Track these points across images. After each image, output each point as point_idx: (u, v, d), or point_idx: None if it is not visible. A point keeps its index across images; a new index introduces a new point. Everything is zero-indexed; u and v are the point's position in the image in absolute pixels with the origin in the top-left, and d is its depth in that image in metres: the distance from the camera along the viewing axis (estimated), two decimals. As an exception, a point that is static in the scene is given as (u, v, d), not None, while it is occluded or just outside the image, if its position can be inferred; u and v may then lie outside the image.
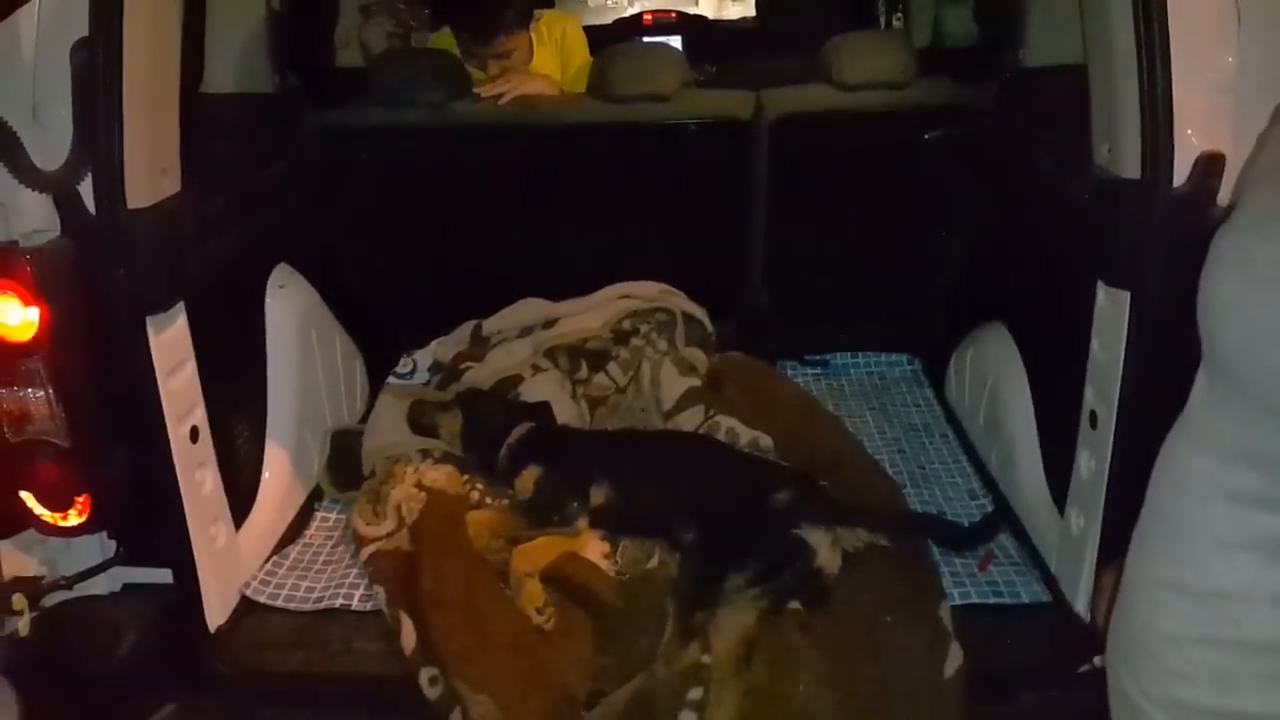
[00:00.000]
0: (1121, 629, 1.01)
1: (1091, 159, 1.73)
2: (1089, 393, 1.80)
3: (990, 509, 2.22)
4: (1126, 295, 1.67)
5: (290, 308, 2.28)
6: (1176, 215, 1.53)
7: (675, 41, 4.45)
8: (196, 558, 1.77)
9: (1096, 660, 1.57)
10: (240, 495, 2.01)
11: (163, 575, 1.78)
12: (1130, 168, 1.60)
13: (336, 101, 2.68)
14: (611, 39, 3.43)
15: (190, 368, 1.76)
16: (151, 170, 1.62)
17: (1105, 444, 1.73)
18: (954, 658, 1.71)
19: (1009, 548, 2.08)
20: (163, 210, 1.63)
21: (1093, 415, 1.77)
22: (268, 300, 2.23)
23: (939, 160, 2.61)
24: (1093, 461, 1.78)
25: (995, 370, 2.41)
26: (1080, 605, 1.83)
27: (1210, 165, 1.52)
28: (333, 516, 2.24)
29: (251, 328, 2.18)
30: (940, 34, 3.58)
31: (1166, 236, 1.55)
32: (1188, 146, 1.54)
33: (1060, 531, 1.93)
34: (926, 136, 2.56)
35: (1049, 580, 1.95)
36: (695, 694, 1.67)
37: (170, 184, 1.67)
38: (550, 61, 3.07)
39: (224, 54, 2.28)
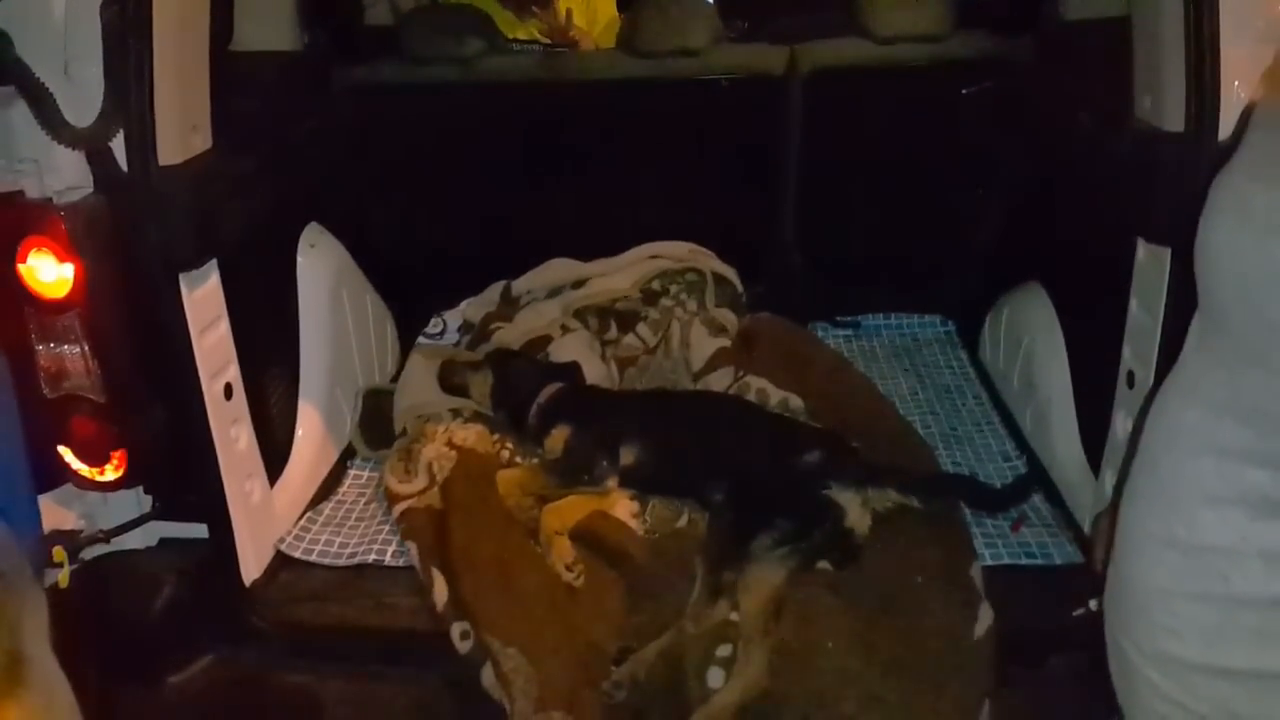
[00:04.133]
0: (1115, 583, 1.00)
1: (1133, 112, 1.69)
2: (1127, 352, 1.77)
3: (1023, 471, 2.20)
4: (1167, 252, 1.63)
5: (321, 267, 2.28)
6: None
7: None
8: (231, 513, 1.80)
9: (1092, 603, 1.55)
10: (274, 452, 2.03)
11: (198, 530, 1.81)
12: (1173, 120, 1.56)
13: (365, 59, 2.67)
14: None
15: (223, 325, 1.78)
16: (182, 127, 1.62)
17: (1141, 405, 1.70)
18: (984, 619, 1.70)
19: (1042, 509, 2.05)
20: (194, 167, 1.64)
21: (1130, 375, 1.74)
22: (299, 259, 2.24)
23: (976, 116, 2.55)
24: (1129, 422, 1.75)
25: (1031, 331, 2.37)
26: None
27: (1257, 118, 1.48)
28: (365, 474, 2.26)
29: (283, 286, 2.19)
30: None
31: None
32: (1233, 98, 1.49)
33: (1095, 493, 1.91)
34: (964, 91, 2.51)
35: (1082, 542, 1.93)
36: (724, 651, 1.68)
37: (201, 141, 1.68)
38: (579, 14, 3.03)
39: (253, 12, 2.27)
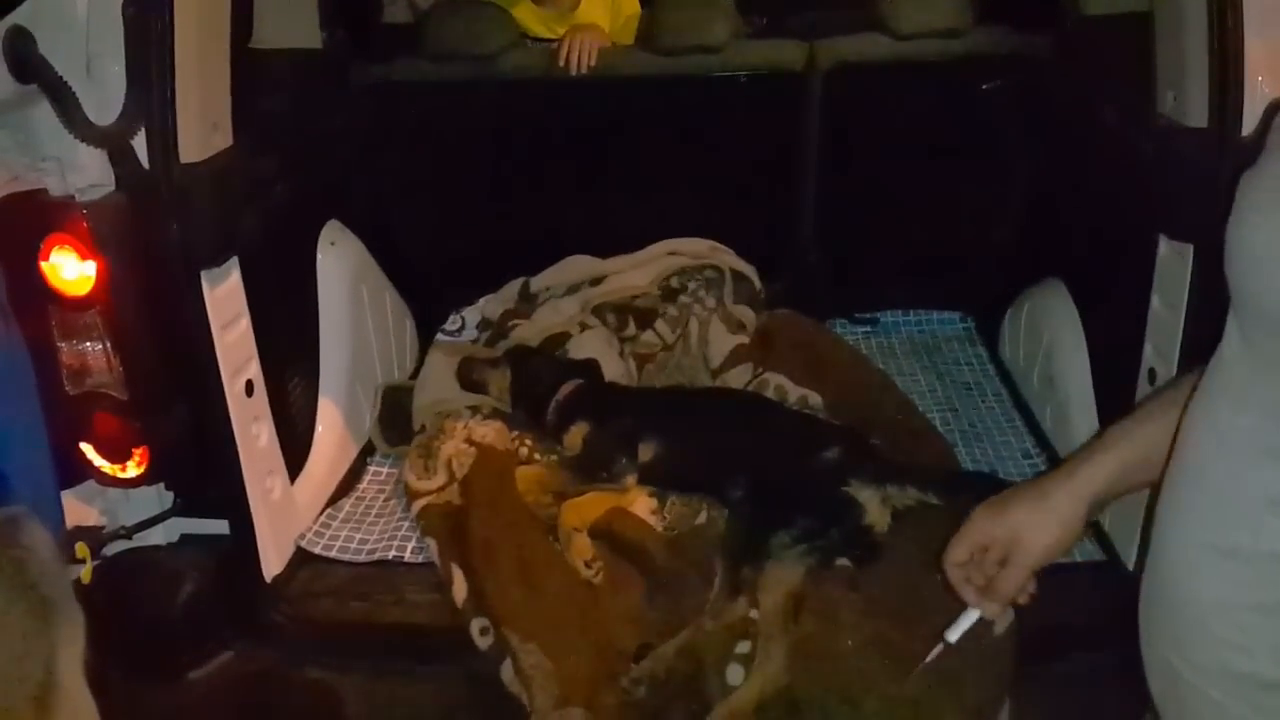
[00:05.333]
0: (1158, 597, 0.94)
1: (1155, 108, 1.67)
2: (1148, 350, 1.76)
3: (1044, 468, 2.19)
4: (1190, 249, 1.61)
5: (341, 264, 2.29)
6: (1245, 165, 1.48)
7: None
8: (252, 509, 1.81)
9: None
10: (295, 449, 2.04)
11: (219, 526, 1.82)
12: (1196, 116, 1.54)
13: (385, 56, 2.68)
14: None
15: (244, 322, 1.79)
16: (203, 125, 1.63)
17: None
18: (1005, 616, 1.68)
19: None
20: (215, 165, 1.65)
21: (1152, 373, 1.73)
22: (319, 256, 2.25)
23: (997, 112, 2.54)
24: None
25: (1051, 327, 2.35)
26: (1134, 563, 1.80)
27: (1282, 113, 1.46)
28: (385, 471, 2.27)
29: (303, 284, 2.20)
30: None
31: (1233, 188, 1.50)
32: (1257, 93, 1.48)
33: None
34: (984, 87, 2.50)
35: (1102, 538, 1.92)
36: (743, 648, 1.68)
37: (222, 139, 1.69)
38: (601, 10, 3.03)
39: (273, 9, 2.27)
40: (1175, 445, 0.94)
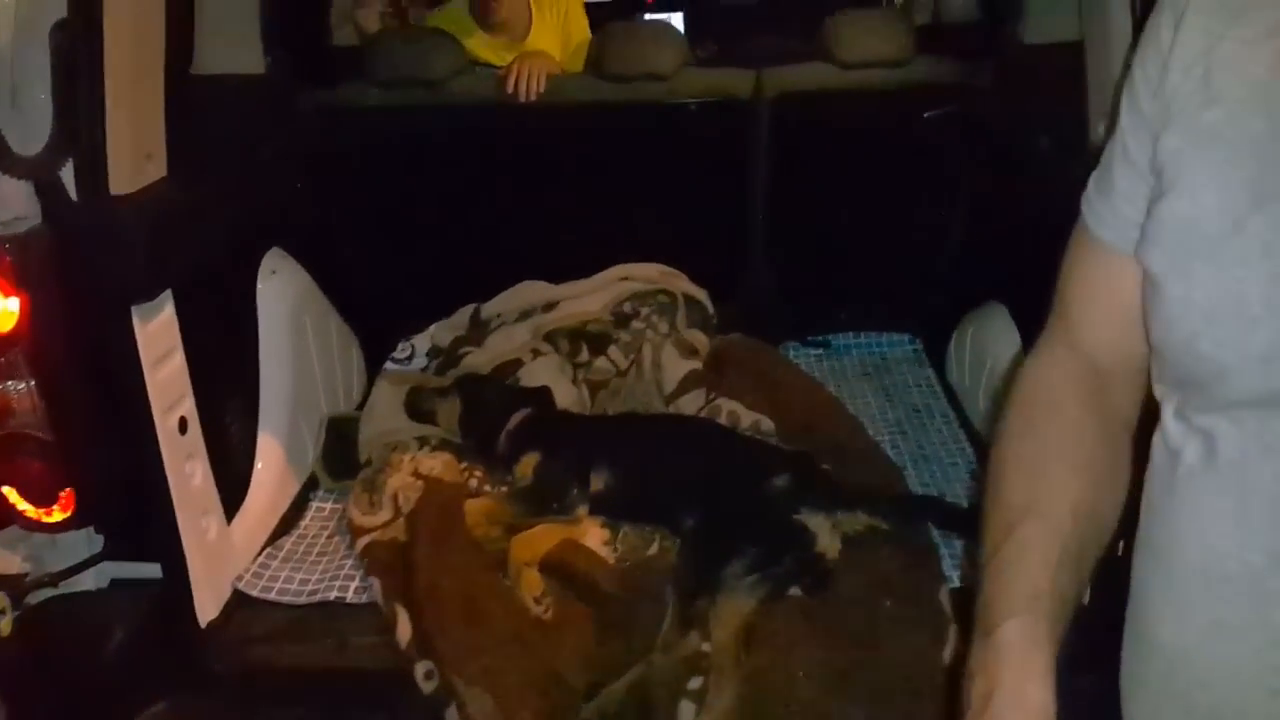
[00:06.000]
0: (1149, 646, 0.87)
1: (1089, 136, 1.70)
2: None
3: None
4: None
5: (283, 293, 2.24)
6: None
7: (678, 18, 4.40)
8: (186, 551, 1.75)
9: None
10: (232, 486, 1.98)
11: (153, 570, 1.75)
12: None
13: (332, 81, 2.65)
14: (615, 15, 3.38)
15: (178, 357, 1.73)
16: (135, 156, 1.58)
17: None
18: (953, 642, 1.68)
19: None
20: (147, 197, 1.60)
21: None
22: (259, 286, 2.19)
23: (939, 139, 2.56)
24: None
25: (995, 351, 2.38)
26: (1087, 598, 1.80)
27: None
28: (328, 506, 2.21)
29: (242, 315, 2.15)
30: (941, 10, 3.53)
31: None
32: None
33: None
34: (926, 115, 2.52)
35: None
36: (695, 683, 1.65)
37: (155, 169, 1.64)
38: (551, 38, 3.03)
39: (214, 34, 2.23)
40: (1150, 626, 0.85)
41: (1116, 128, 0.90)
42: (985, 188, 2.52)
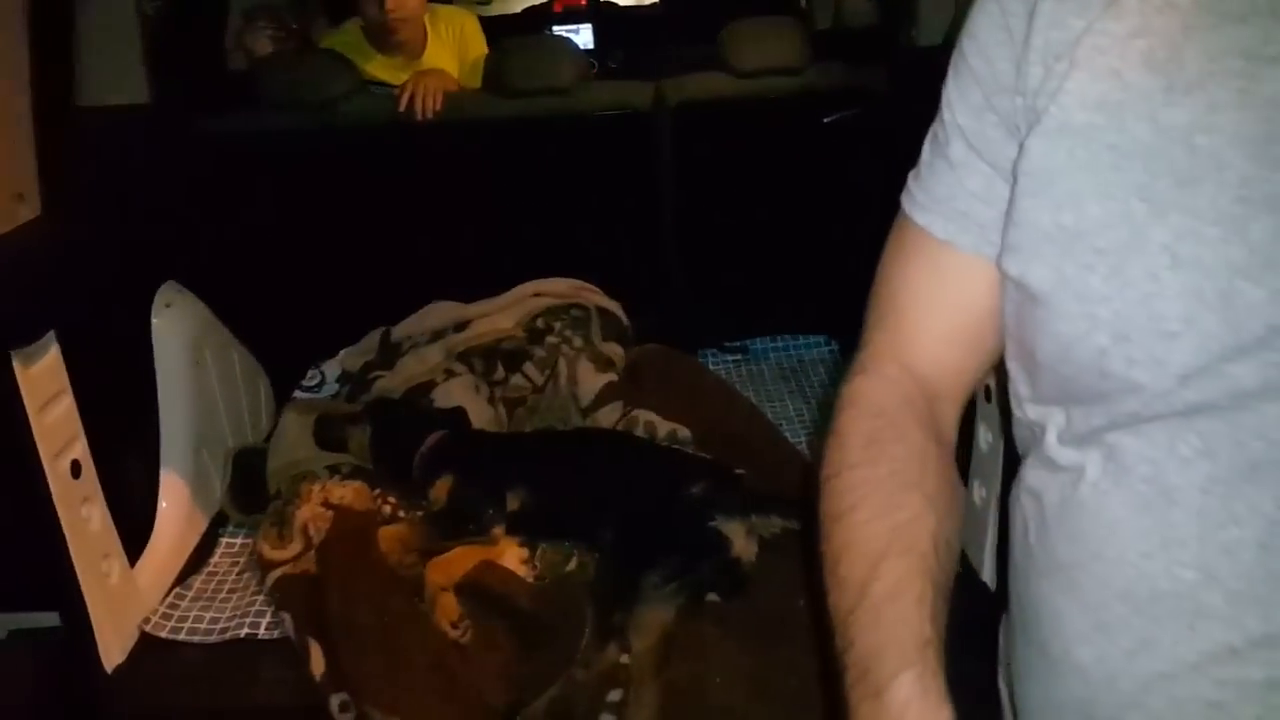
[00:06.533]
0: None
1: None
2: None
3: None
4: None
5: (179, 327, 2.18)
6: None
7: (586, 30, 4.41)
8: (87, 596, 1.69)
9: None
10: (134, 527, 1.93)
11: (52, 619, 1.69)
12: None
13: (224, 108, 2.59)
14: (520, 28, 3.37)
15: (66, 400, 1.68)
16: (5, 196, 1.53)
17: (998, 417, 1.74)
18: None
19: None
20: (19, 238, 1.55)
21: (987, 389, 1.78)
22: (154, 320, 2.13)
23: (839, 143, 2.60)
24: (989, 435, 1.80)
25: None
26: (986, 573, 1.85)
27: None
28: (238, 542, 2.16)
29: (137, 351, 2.09)
30: (841, 16, 3.59)
31: None
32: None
33: (965, 503, 1.94)
34: (825, 120, 2.56)
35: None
36: (615, 696, 1.64)
37: (28, 210, 1.58)
38: (448, 55, 3.01)
39: (96, 64, 2.17)
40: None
41: (952, 124, 0.84)
42: (889, 189, 2.56)
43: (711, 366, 2.87)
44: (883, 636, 0.72)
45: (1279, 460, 0.65)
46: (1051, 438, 0.79)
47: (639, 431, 2.34)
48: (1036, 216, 0.73)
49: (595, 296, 2.69)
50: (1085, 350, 0.71)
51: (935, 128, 0.87)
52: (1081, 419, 0.75)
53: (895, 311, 0.90)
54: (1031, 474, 0.82)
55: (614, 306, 2.70)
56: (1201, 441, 0.67)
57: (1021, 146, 0.75)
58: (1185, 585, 0.69)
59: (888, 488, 0.80)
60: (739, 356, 2.99)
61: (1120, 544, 0.72)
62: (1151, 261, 0.67)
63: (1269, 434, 0.65)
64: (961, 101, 0.83)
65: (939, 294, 0.87)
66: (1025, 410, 0.84)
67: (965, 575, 1.90)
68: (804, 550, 1.88)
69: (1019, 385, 0.84)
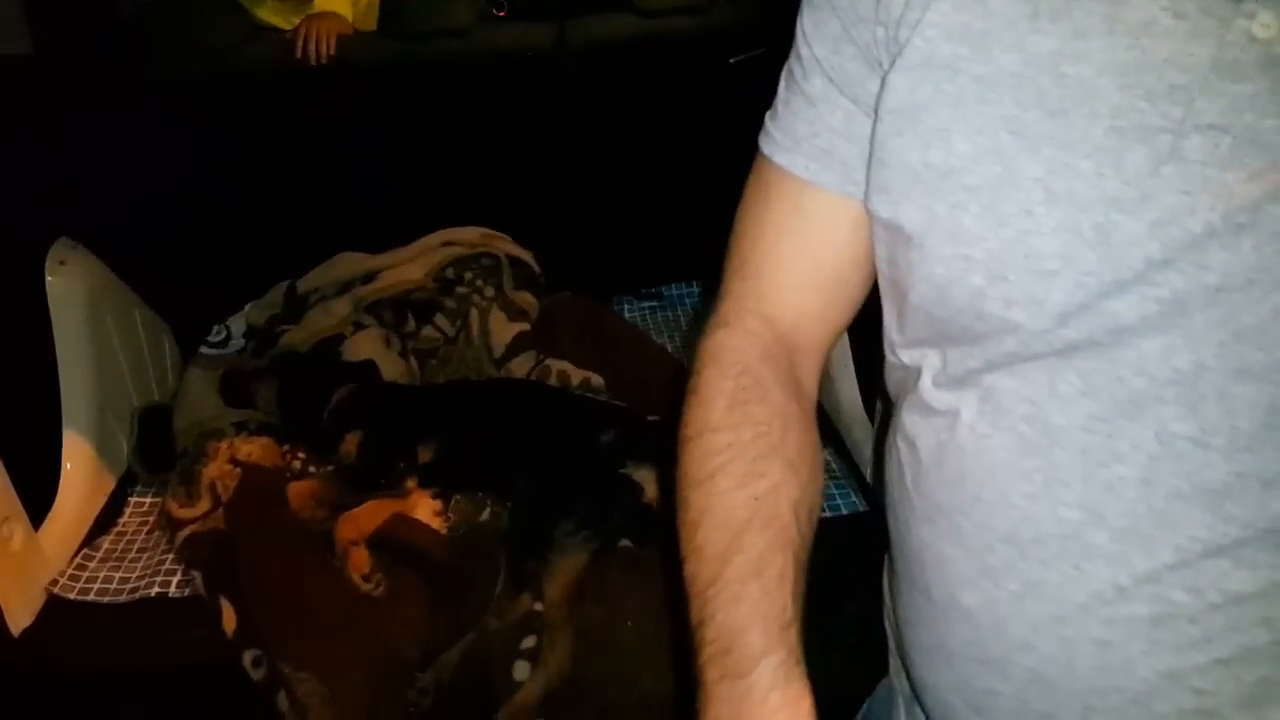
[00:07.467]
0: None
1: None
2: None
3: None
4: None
5: (75, 285, 2.11)
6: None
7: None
8: (-12, 563, 1.67)
9: None
10: (37, 490, 1.89)
11: (-47, 587, 1.66)
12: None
13: (114, 58, 2.48)
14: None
15: (-47, 364, 1.63)
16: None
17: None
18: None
19: (831, 463, 2.14)
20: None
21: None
22: (48, 279, 2.06)
23: (748, 83, 2.59)
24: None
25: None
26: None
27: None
28: (148, 501, 2.13)
29: (29, 311, 2.02)
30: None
31: None
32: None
33: (874, 443, 2.00)
34: (731, 61, 2.55)
35: (865, 490, 2.03)
36: (529, 642, 1.68)
37: (-100, 168, 1.52)
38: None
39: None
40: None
41: (809, 58, 0.81)
42: None
43: (627, 314, 2.88)
44: (745, 614, 0.70)
45: (1159, 395, 0.64)
46: (926, 381, 0.79)
47: (552, 381, 2.36)
48: (904, 155, 0.72)
49: (506, 245, 2.67)
50: (961, 292, 0.70)
51: (791, 63, 0.84)
52: (957, 361, 0.75)
53: (756, 258, 0.87)
54: (907, 419, 0.82)
55: (526, 255, 2.68)
56: (1082, 380, 0.67)
57: (884, 81, 0.73)
58: (1070, 525, 0.69)
59: (750, 454, 0.77)
60: (654, 303, 3.00)
61: (1002, 486, 0.72)
62: (1025, 197, 0.65)
63: (1149, 369, 0.64)
64: (817, 32, 0.80)
65: (801, 238, 0.84)
66: (898, 354, 0.84)
67: (873, 516, 1.96)
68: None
69: (891, 329, 0.85)
